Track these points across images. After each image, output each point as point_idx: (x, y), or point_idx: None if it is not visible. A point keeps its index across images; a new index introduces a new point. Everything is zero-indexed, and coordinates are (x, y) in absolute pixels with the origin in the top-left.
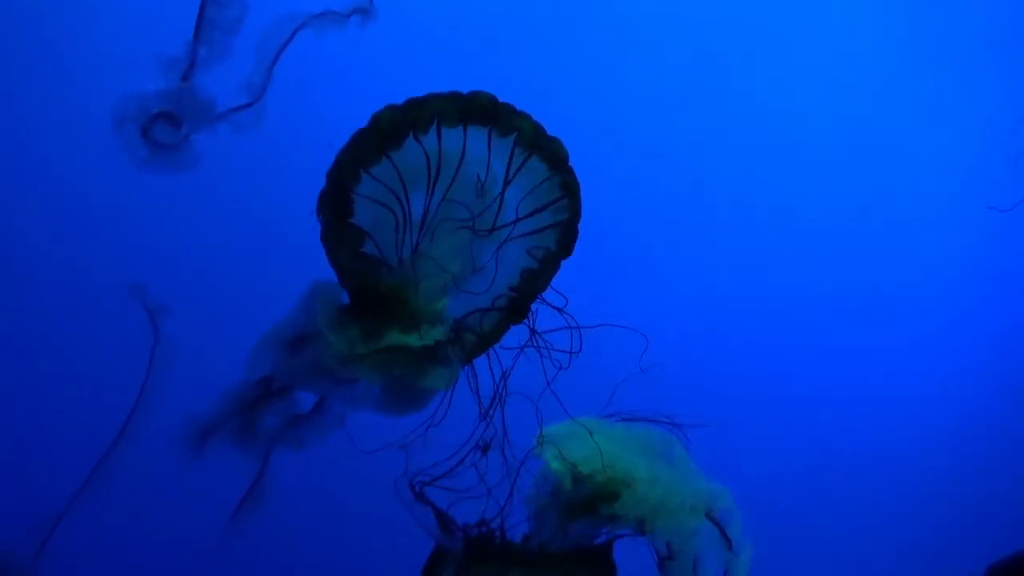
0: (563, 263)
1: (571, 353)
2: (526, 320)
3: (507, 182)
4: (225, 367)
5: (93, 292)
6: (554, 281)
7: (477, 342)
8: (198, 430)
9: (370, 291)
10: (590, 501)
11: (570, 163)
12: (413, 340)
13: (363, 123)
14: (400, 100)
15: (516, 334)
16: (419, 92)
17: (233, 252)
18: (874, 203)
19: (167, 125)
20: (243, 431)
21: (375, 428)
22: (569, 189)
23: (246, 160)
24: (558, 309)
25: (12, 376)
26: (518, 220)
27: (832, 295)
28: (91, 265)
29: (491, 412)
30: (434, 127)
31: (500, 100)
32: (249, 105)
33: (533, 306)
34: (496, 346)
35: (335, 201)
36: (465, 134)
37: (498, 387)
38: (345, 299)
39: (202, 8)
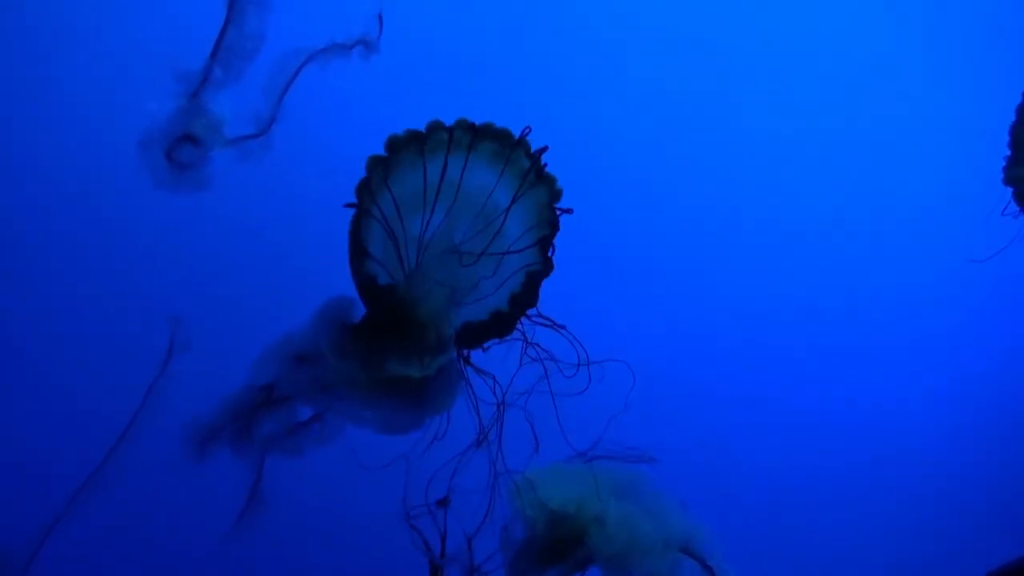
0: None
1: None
2: (515, 333)
3: (513, 203)
4: (225, 382)
5: (96, 300)
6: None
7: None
8: (199, 435)
9: (382, 308)
10: (563, 543)
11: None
12: (414, 371)
13: (367, 152)
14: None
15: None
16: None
17: (237, 271)
18: (871, 216)
19: (184, 145)
20: (241, 436)
21: (375, 440)
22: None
23: (251, 184)
24: (552, 321)
25: (13, 379)
26: (518, 251)
27: (827, 305)
28: (97, 272)
29: (488, 435)
30: (441, 152)
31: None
32: (257, 135)
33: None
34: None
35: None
36: (468, 155)
37: (499, 406)
38: (356, 318)
39: (223, 32)
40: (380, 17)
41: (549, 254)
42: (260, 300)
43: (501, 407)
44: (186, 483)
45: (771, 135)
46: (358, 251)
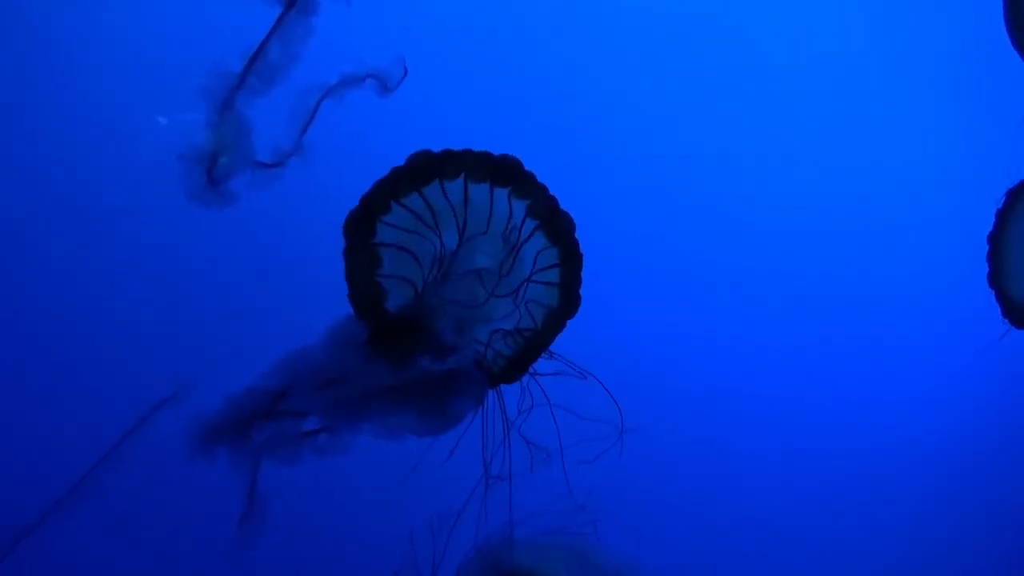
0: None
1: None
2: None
3: (519, 244)
4: (229, 387)
5: (101, 306)
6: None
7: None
8: (203, 436)
9: (383, 318)
10: None
11: (575, 236)
12: (429, 363)
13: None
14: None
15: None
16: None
17: (250, 285)
18: (871, 216)
19: (218, 161)
20: (240, 440)
21: (374, 462)
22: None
23: (268, 198)
24: (569, 363)
25: (18, 378)
26: (530, 276)
27: (827, 306)
28: (105, 278)
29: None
30: (461, 177)
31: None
32: (273, 166)
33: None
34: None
35: (362, 221)
36: (492, 190)
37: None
38: (364, 332)
39: (264, 42)
40: (404, 65)
41: (578, 291)
42: (269, 317)
43: (507, 442)
44: (187, 484)
45: (770, 137)
46: (369, 263)
